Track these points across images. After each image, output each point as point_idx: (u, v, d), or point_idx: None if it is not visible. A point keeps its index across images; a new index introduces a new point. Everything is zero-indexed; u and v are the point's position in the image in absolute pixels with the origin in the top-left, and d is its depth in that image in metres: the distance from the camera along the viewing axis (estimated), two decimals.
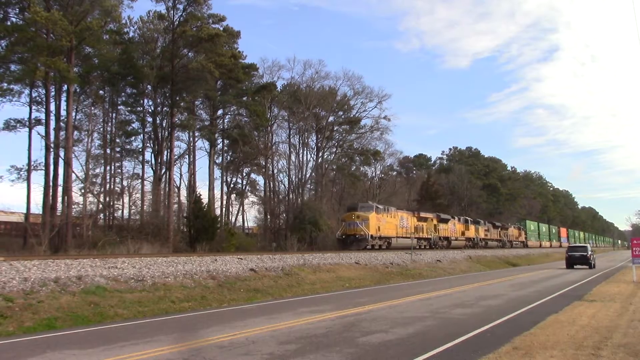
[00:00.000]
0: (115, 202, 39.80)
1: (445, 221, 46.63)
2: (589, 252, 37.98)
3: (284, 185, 53.12)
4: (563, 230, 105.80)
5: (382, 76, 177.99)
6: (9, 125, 32.35)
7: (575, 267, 37.05)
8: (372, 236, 32.55)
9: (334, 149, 57.51)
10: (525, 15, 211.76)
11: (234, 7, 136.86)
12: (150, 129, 41.02)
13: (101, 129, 39.96)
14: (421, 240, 40.57)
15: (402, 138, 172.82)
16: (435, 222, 44.24)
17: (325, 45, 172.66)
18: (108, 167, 39.84)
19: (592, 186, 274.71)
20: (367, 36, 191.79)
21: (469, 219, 54.46)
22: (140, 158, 41.99)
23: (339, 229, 34.72)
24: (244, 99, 44.36)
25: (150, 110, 41.44)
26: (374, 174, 68.22)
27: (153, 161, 41.16)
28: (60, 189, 31.37)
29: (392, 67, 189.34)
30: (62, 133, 31.22)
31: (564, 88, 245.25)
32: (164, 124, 39.98)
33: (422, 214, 43.04)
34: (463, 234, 50.62)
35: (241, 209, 51.56)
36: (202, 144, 53.93)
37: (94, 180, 37.92)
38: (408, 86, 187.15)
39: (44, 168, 31.01)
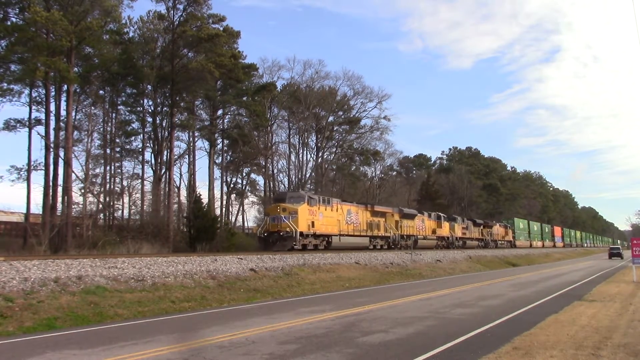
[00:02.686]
0: (115, 202, 39.85)
1: (411, 217, 40.02)
2: (621, 250, 71.50)
3: (284, 185, 53.16)
4: (557, 230, 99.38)
5: (383, 77, 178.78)
6: (9, 125, 32.37)
7: (612, 258, 64.13)
8: (301, 234, 26.11)
9: (334, 149, 57.60)
10: (527, 16, 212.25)
11: (237, 7, 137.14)
12: (150, 129, 41.03)
13: (101, 129, 39.99)
14: (376, 239, 34.34)
15: (402, 138, 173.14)
16: (397, 217, 37.67)
17: (328, 46, 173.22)
18: (108, 167, 39.91)
19: (592, 186, 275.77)
20: (370, 37, 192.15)
21: (442, 215, 47.82)
22: (140, 158, 42.08)
23: (261, 225, 28.73)
24: (244, 99, 44.37)
25: (150, 110, 41.47)
26: (374, 174, 68.32)
27: (153, 161, 41.23)
28: (60, 189, 31.43)
29: (394, 68, 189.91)
30: (62, 133, 31.23)
31: (565, 89, 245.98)
32: (164, 124, 40.00)
33: (378, 208, 36.21)
34: (434, 232, 44.45)
35: (241, 209, 51.71)
36: (202, 144, 54.05)
37: (94, 180, 37.94)
38: (410, 86, 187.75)
39: (44, 168, 31.03)
